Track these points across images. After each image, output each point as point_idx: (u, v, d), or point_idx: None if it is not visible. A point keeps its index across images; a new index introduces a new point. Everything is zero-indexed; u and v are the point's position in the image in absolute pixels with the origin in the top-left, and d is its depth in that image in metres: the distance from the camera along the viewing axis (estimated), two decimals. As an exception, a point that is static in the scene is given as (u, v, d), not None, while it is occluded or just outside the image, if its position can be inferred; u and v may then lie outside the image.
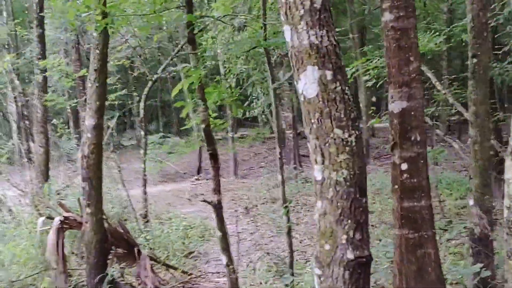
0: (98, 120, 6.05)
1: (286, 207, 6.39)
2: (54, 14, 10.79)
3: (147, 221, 9.59)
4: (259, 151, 26.62)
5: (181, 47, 9.91)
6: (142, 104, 9.62)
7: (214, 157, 5.36)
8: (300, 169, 16.11)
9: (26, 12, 25.60)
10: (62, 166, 12.95)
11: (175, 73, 19.75)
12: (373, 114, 15.86)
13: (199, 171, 22.02)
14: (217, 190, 5.41)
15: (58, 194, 9.08)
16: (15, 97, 11.52)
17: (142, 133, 9.93)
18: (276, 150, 6.74)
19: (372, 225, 9.13)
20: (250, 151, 26.95)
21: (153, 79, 9.68)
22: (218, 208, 5.44)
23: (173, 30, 15.76)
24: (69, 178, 12.51)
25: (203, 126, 5.04)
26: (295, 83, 2.47)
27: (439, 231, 8.36)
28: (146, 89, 9.71)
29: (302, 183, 14.07)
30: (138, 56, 11.57)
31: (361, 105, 16.56)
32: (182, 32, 13.82)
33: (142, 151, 9.83)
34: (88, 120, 6.05)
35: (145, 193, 9.78)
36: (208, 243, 9.15)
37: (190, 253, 8.65)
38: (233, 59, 11.57)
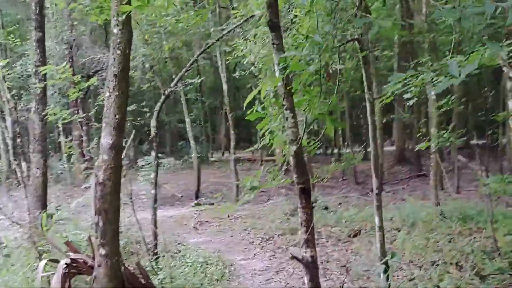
0: (117, 138, 4.85)
1: (385, 262, 4.89)
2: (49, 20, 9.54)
3: (157, 256, 8.33)
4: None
5: (198, 56, 8.77)
6: (154, 122, 8.43)
7: (306, 193, 4.08)
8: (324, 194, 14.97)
9: (17, 25, 24.47)
10: (58, 191, 11.62)
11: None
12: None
13: (197, 195, 20.78)
14: (311, 242, 4.10)
15: (57, 223, 7.78)
16: (10, 109, 10.24)
17: (153, 154, 8.70)
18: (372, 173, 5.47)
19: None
20: (249, 174, 25.76)
21: (166, 92, 8.54)
22: (312, 267, 4.08)
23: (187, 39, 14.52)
24: (68, 204, 11.18)
25: (292, 148, 3.82)
26: None
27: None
28: (159, 104, 8.56)
29: (322, 210, 12.86)
30: (150, 67, 10.39)
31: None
32: (198, 41, 12.66)
33: (153, 175, 8.62)
34: (105, 138, 4.85)
35: (155, 222, 8.52)
36: (231, 283, 7.88)
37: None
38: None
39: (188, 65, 8.98)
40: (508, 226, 9.26)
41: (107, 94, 4.87)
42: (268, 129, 4.38)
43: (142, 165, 18.57)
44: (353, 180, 23.02)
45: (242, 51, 9.60)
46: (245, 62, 9.93)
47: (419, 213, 11.04)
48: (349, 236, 10.18)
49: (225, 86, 19.10)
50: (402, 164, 27.18)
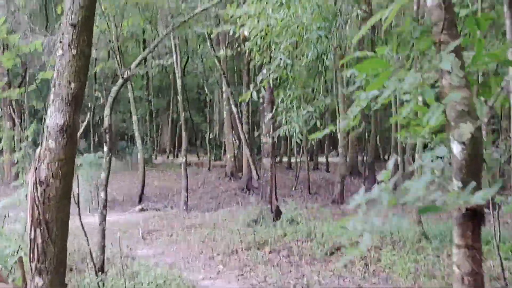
0: (71, 116, 3.36)
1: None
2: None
3: (105, 273, 6.75)
4: (208, 180, 23.94)
5: (165, 36, 7.31)
6: (108, 110, 6.87)
7: (478, 220, 2.33)
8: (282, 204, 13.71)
9: None
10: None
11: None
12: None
13: (141, 199, 19.04)
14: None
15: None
16: None
17: (106, 148, 7.10)
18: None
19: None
20: (197, 179, 24.21)
21: (126, 75, 7.01)
22: None
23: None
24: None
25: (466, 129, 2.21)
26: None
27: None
28: (115, 89, 7.01)
29: (288, 222, 11.57)
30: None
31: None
32: (165, 19, 11.06)
33: (103, 175, 7.03)
34: (52, 117, 3.35)
35: (103, 232, 6.93)
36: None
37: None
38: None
39: (152, 46, 7.49)
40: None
41: (60, 52, 3.36)
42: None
43: (81, 164, 16.79)
44: (306, 190, 21.98)
45: (241, 18, 7.59)
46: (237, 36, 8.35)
47: (398, 229, 9.99)
48: (326, 254, 8.94)
49: (179, 82, 17.56)
50: (354, 176, 26.49)
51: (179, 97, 17.85)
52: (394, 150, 18.53)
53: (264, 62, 6.26)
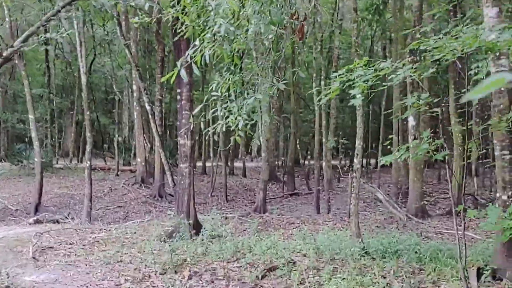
0: None
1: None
2: None
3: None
4: (115, 187, 21.86)
5: (61, 9, 5.61)
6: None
7: None
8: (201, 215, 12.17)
9: None
10: None
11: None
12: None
13: (37, 208, 16.71)
14: None
15: None
16: None
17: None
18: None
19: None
20: (103, 185, 22.05)
21: (5, 54, 5.22)
22: None
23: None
24: None
25: None
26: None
27: None
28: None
29: (210, 237, 10.07)
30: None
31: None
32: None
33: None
34: None
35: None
36: None
37: None
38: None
39: (44, 19, 5.76)
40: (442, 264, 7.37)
41: None
42: None
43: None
44: (224, 196, 20.61)
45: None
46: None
47: (335, 244, 8.85)
48: (258, 277, 7.55)
49: (83, 78, 15.54)
50: (272, 182, 25.49)
51: (84, 96, 15.81)
52: (316, 155, 17.58)
53: (197, 34, 4.81)
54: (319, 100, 6.11)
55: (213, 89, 4.66)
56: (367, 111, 34.47)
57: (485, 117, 19.96)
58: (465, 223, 6.08)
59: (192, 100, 11.52)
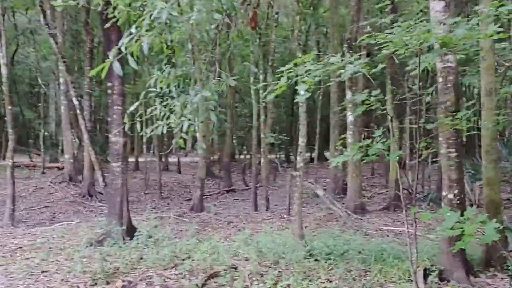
0: None
1: None
2: None
3: None
4: (41, 185, 20.55)
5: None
6: None
7: None
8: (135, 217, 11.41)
9: None
10: None
11: None
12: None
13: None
14: None
15: None
16: None
17: None
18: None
19: None
20: (27, 184, 20.69)
21: None
22: None
23: None
24: None
25: None
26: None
27: None
28: None
29: (145, 242, 9.40)
30: None
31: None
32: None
33: None
34: None
35: None
36: None
37: None
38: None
39: None
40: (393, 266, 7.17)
41: None
42: None
43: None
44: (158, 194, 19.83)
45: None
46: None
47: (279, 247, 8.48)
48: (197, 286, 7.03)
49: (4, 70, 14.29)
50: (207, 178, 24.90)
51: (4, 88, 14.57)
52: (255, 149, 17.20)
53: (132, 21, 4.19)
54: (265, 97, 5.66)
55: (151, 85, 4.10)
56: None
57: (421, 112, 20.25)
58: (416, 226, 5.83)
59: (125, 94, 10.78)
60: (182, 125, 3.99)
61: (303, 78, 5.57)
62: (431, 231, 11.53)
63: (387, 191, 16.67)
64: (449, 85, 7.20)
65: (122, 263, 8.04)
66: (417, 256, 5.90)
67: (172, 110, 4.07)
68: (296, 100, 13.87)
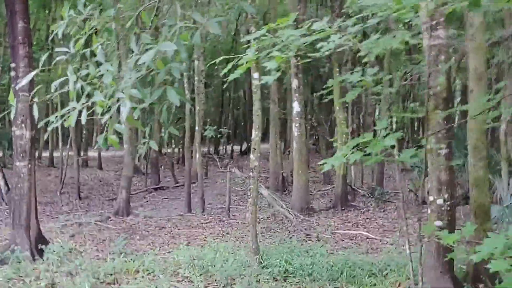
0: None
1: None
2: None
3: None
4: None
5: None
6: None
7: None
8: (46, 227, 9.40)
9: None
10: None
11: None
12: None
13: None
14: None
15: None
16: None
17: None
18: None
19: None
20: None
21: None
22: None
23: None
24: None
25: None
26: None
27: None
28: None
29: (59, 259, 7.51)
30: None
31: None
32: None
33: None
34: None
35: None
36: None
37: None
38: None
39: None
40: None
41: None
42: None
43: None
44: (76, 194, 17.58)
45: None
46: None
47: (229, 265, 6.94)
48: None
49: None
50: (133, 175, 22.83)
51: None
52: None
53: None
54: (225, 76, 4.09)
55: (59, 37, 2.40)
56: (235, 96, 33.13)
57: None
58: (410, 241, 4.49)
59: (34, 80, 8.79)
60: (121, 110, 2.38)
61: (271, 52, 4.04)
62: (388, 234, 10.47)
63: (332, 187, 15.49)
64: (439, 66, 5.92)
65: (27, 289, 6.21)
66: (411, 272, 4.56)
67: (95, 84, 2.44)
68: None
